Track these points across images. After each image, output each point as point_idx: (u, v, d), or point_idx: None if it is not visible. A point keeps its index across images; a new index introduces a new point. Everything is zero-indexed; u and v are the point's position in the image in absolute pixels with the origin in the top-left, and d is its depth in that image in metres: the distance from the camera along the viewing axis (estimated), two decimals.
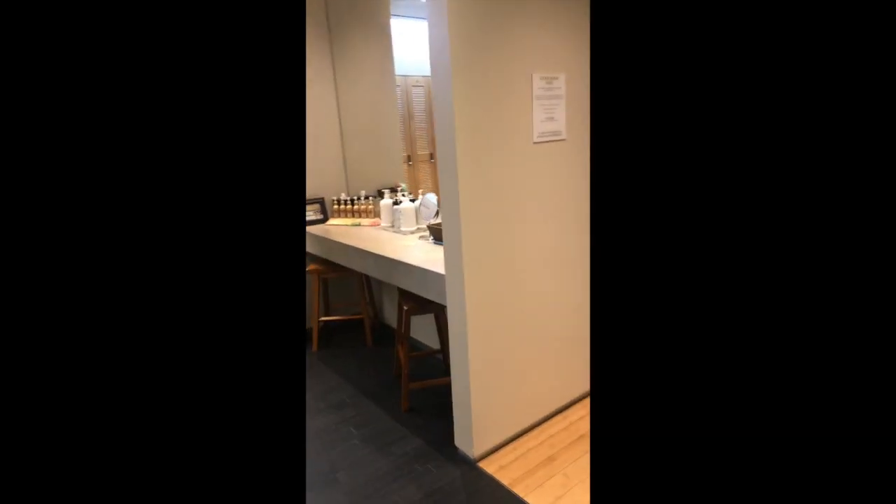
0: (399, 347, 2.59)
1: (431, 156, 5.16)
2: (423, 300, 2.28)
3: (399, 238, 2.60)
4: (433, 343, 2.94)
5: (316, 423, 2.30)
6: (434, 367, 2.77)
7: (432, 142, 5.15)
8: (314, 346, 3.08)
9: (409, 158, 5.00)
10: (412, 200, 2.71)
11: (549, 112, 1.90)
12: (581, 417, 2.21)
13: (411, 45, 4.94)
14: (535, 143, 1.89)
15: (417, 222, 2.69)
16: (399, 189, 3.05)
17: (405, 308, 2.26)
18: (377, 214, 3.01)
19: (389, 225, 2.87)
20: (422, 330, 3.01)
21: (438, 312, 2.36)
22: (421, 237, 2.55)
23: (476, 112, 1.69)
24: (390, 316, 3.34)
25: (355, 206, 3.07)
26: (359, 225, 2.98)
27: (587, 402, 2.33)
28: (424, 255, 2.21)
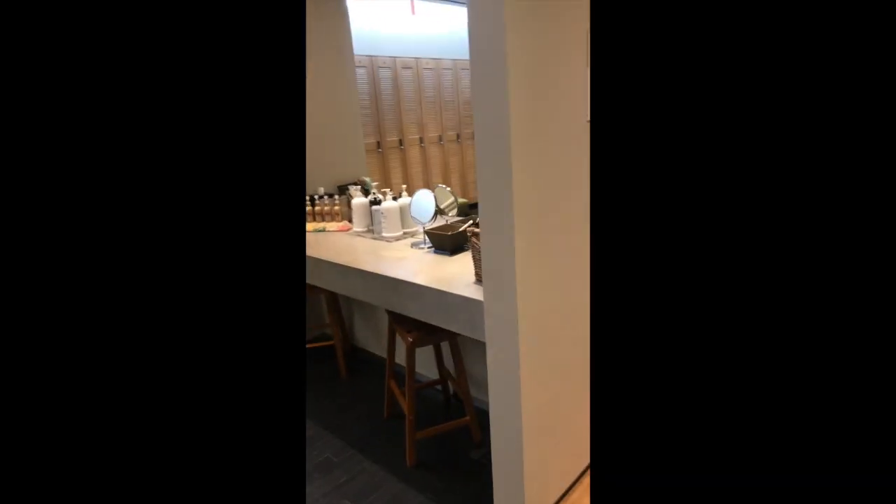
0: (391, 384, 2.09)
1: (379, 144, 4.61)
2: (430, 328, 1.79)
3: (383, 246, 2.08)
4: (425, 370, 2.45)
5: None
6: (431, 401, 2.29)
7: (378, 129, 4.59)
8: None
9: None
10: (394, 199, 2.19)
11: None
12: None
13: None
14: (587, 121, 1.46)
15: (403, 226, 2.19)
16: (374, 185, 2.51)
17: (410, 339, 1.77)
18: (346, 217, 2.46)
19: (364, 229, 2.33)
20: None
21: (444, 340, 1.88)
22: (413, 245, 2.05)
23: (532, 83, 1.23)
24: (363, 337, 2.80)
25: (316, 207, 2.50)
26: (323, 230, 2.42)
27: None
28: (428, 269, 1.73)
